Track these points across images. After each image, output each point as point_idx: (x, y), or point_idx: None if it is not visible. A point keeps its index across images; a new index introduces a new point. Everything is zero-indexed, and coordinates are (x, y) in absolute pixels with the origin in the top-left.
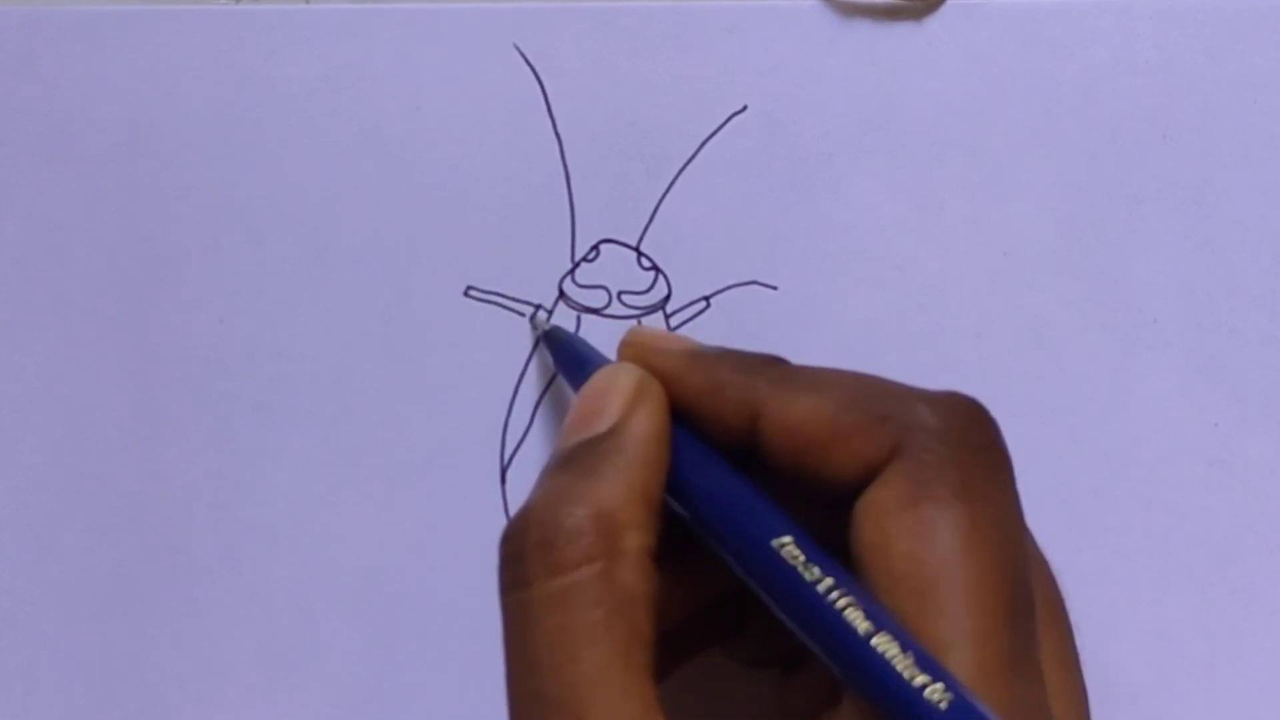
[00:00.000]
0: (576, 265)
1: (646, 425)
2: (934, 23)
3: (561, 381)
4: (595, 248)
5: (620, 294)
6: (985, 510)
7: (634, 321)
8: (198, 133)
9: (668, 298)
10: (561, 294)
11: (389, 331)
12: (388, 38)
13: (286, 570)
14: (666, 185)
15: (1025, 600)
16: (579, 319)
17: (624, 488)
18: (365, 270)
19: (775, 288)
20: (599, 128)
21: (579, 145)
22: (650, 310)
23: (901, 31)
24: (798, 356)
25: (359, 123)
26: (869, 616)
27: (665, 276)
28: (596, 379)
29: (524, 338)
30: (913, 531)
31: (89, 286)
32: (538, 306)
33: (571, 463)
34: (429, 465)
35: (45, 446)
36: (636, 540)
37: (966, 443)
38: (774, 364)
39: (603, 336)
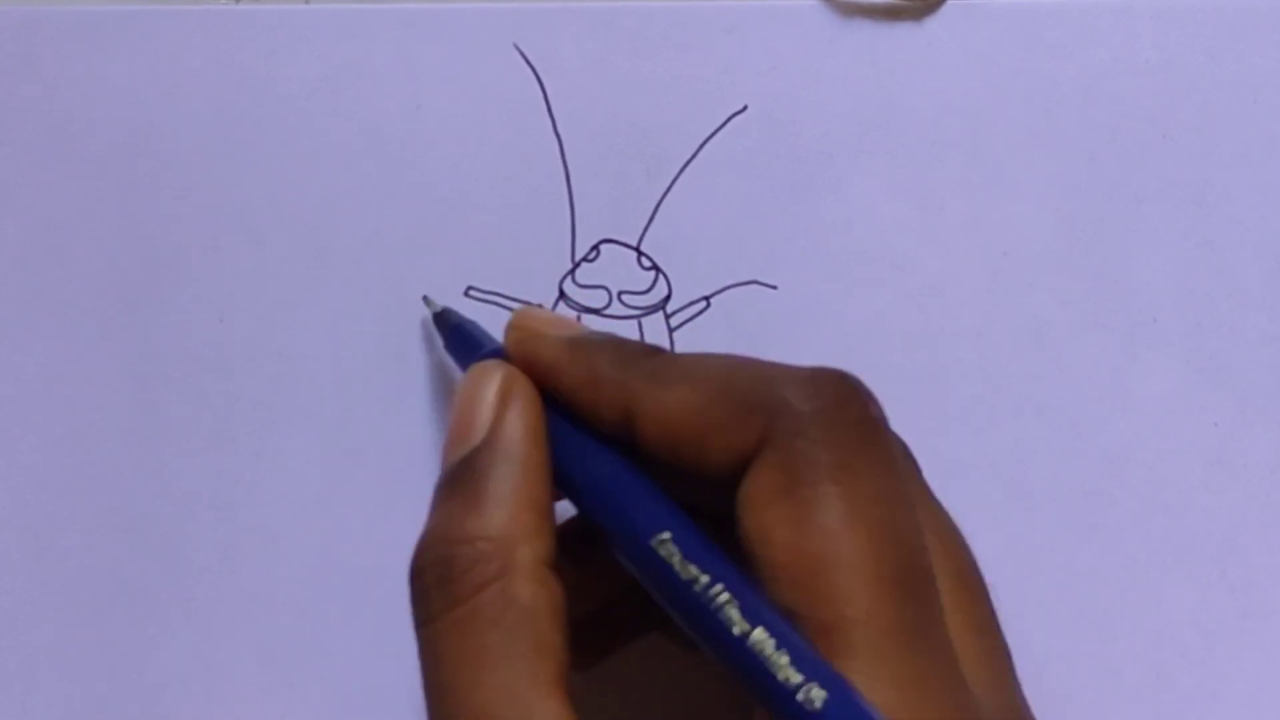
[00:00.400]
0: (577, 265)
1: (518, 431)
2: (934, 23)
3: None
4: (595, 248)
5: (620, 294)
6: (862, 487)
7: (634, 323)
8: (198, 133)
9: (668, 298)
10: (562, 294)
11: (389, 331)
12: (388, 38)
13: (286, 570)
14: (667, 185)
15: (917, 571)
16: (579, 319)
17: (508, 504)
18: (365, 270)
19: (775, 288)
20: (599, 128)
21: (579, 145)
22: (650, 310)
23: (901, 31)
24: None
25: (359, 123)
26: (746, 614)
27: (665, 276)
28: (464, 386)
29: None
30: (789, 520)
31: (89, 286)
32: (538, 306)
33: (455, 484)
34: (429, 465)
35: (45, 446)
36: (529, 553)
37: (837, 421)
38: (651, 355)
39: None
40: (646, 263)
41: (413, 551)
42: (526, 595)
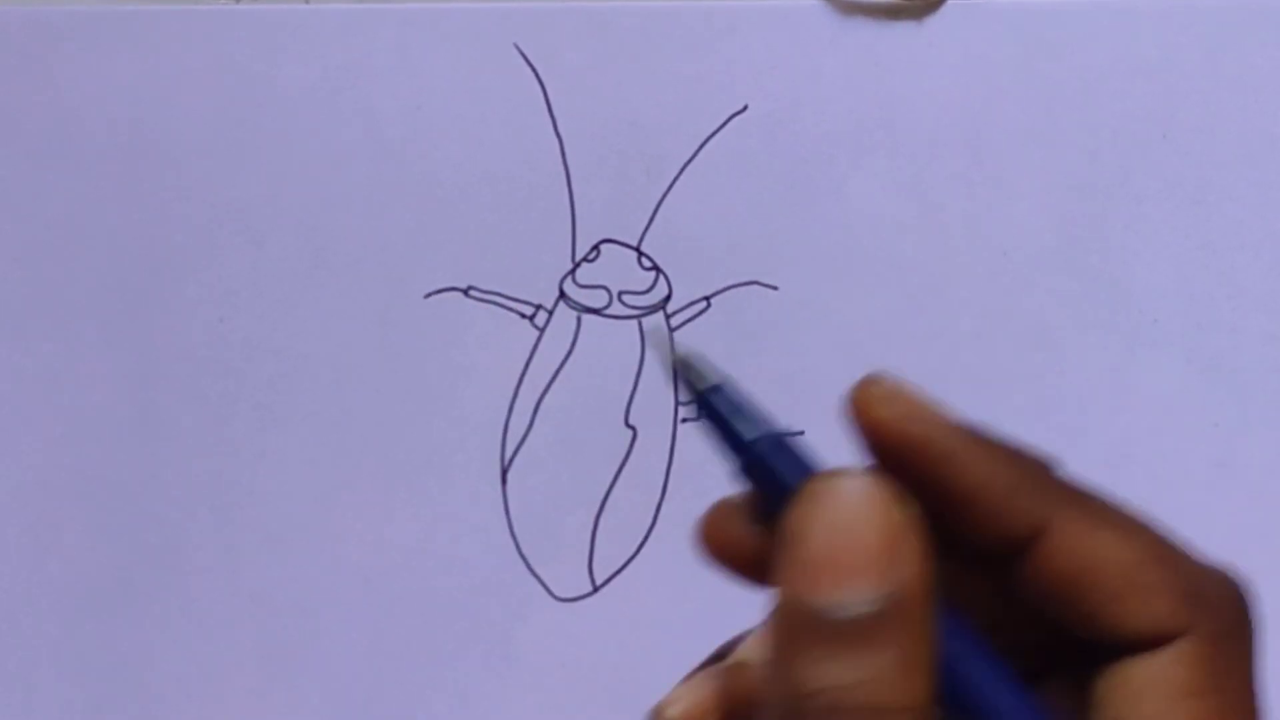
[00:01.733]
0: (577, 265)
1: (920, 583)
2: (934, 23)
3: (567, 383)
4: (596, 248)
5: (621, 294)
6: (1251, 704)
7: (634, 322)
8: (198, 133)
9: (668, 298)
10: (562, 294)
11: (389, 331)
12: (388, 38)
13: (286, 570)
14: (667, 185)
15: None
16: (579, 319)
17: (922, 669)
18: (365, 270)
19: (776, 288)
20: (599, 128)
21: (579, 145)
22: (651, 310)
23: (902, 31)
24: (798, 356)
25: (359, 123)
26: None
27: (666, 276)
28: (840, 513)
29: (524, 338)
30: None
31: (89, 287)
32: (539, 306)
33: (842, 639)
34: (429, 465)
35: (46, 446)
36: None
37: (1247, 638)
38: (1054, 471)
39: (604, 336)
40: (647, 263)
41: (781, 696)
42: None
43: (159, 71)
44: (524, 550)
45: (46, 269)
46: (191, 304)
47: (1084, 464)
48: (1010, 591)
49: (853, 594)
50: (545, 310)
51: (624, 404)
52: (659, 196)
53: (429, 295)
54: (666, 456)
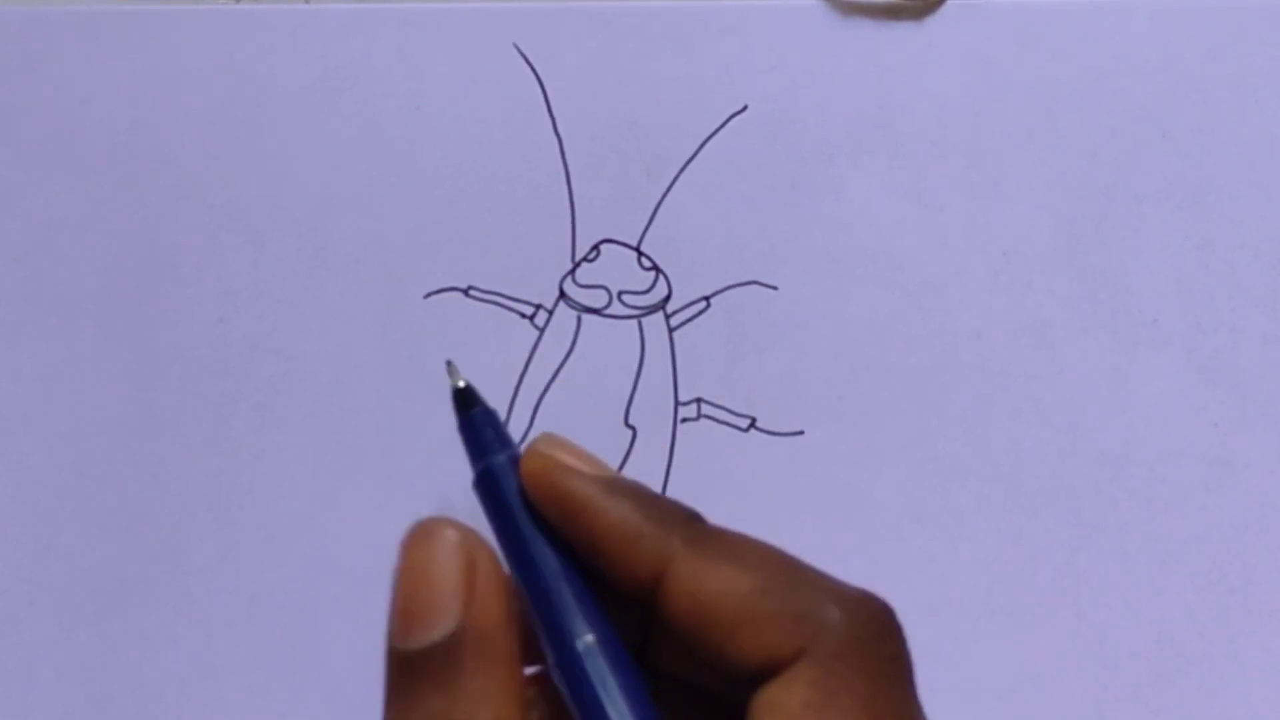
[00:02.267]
0: (577, 265)
1: (496, 619)
2: (934, 23)
3: (567, 383)
4: (596, 247)
5: (621, 294)
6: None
7: (634, 323)
8: (197, 133)
9: (668, 298)
10: (562, 294)
11: (389, 331)
12: (388, 38)
13: (286, 570)
14: (667, 185)
15: None
16: (580, 319)
17: (495, 704)
18: (365, 270)
19: (775, 288)
20: (599, 127)
21: (579, 145)
22: (650, 310)
23: (902, 31)
24: (798, 356)
25: (359, 123)
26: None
27: (666, 276)
28: (416, 562)
29: (524, 337)
30: None
31: (89, 286)
32: (539, 306)
33: (425, 674)
34: (428, 465)
35: (46, 446)
36: None
37: (876, 653)
38: (691, 521)
39: (604, 336)
40: (647, 263)
41: None
42: None
43: (159, 71)
44: None
45: (46, 269)
46: (191, 304)
47: (1084, 464)
48: (669, 634)
49: (428, 632)
50: (545, 310)
51: (624, 404)
52: (659, 196)
53: (429, 295)
54: (666, 456)
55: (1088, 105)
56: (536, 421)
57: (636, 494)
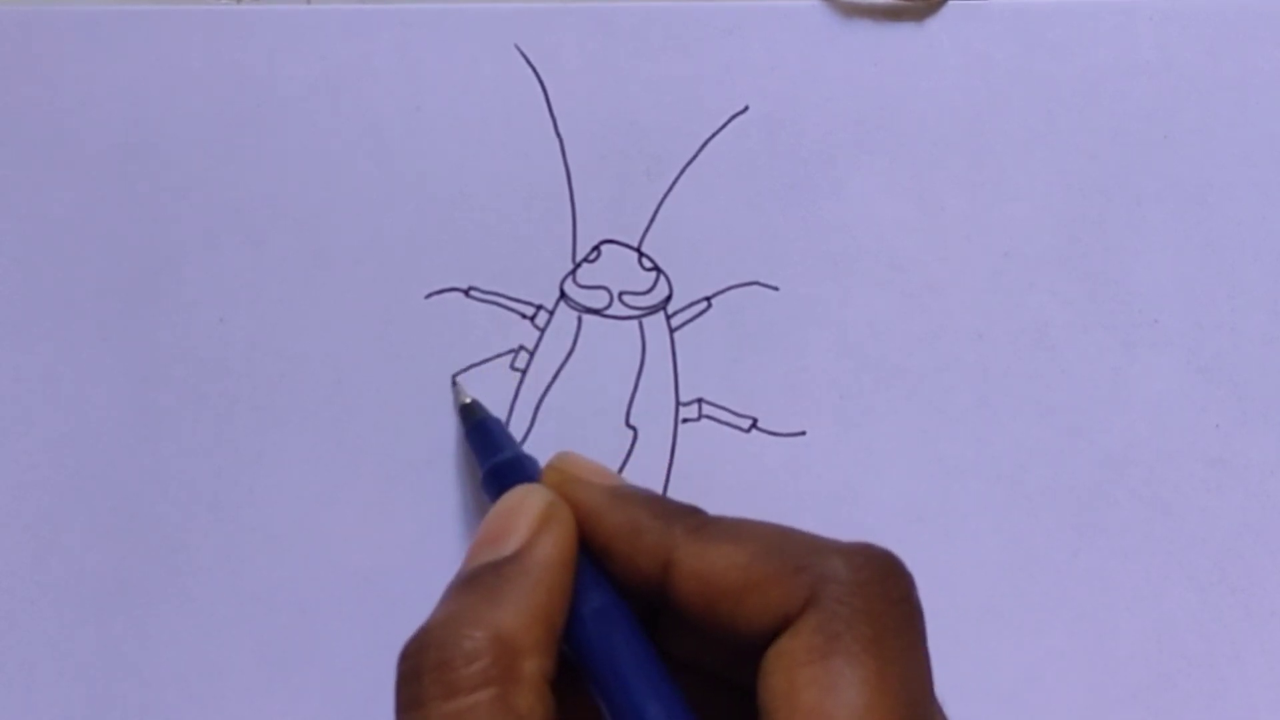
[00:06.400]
0: (578, 265)
1: (551, 551)
2: (935, 23)
3: (567, 384)
4: (596, 248)
5: (621, 294)
6: (894, 666)
7: (635, 323)
8: (198, 133)
9: (669, 298)
10: (563, 294)
11: (389, 331)
12: (388, 38)
13: (286, 570)
14: (668, 185)
15: None
16: (580, 319)
17: (525, 612)
18: (365, 270)
19: (776, 288)
20: (600, 128)
21: (580, 145)
22: (651, 310)
23: (902, 32)
24: (800, 356)
25: (359, 123)
26: None
27: (666, 277)
28: (507, 499)
29: (525, 338)
30: (820, 683)
31: (89, 287)
32: (539, 306)
33: (474, 584)
34: (429, 466)
35: (46, 446)
36: (534, 665)
37: (880, 596)
38: (692, 514)
39: (605, 336)
40: (648, 263)
41: (414, 634)
42: (525, 706)
43: (159, 71)
44: None
45: (46, 269)
46: (191, 304)
47: (1084, 464)
48: (681, 621)
49: (494, 552)
50: (546, 310)
51: (624, 404)
52: (660, 197)
53: (429, 295)
54: (667, 457)
55: (1089, 106)
56: (537, 422)
57: (639, 497)
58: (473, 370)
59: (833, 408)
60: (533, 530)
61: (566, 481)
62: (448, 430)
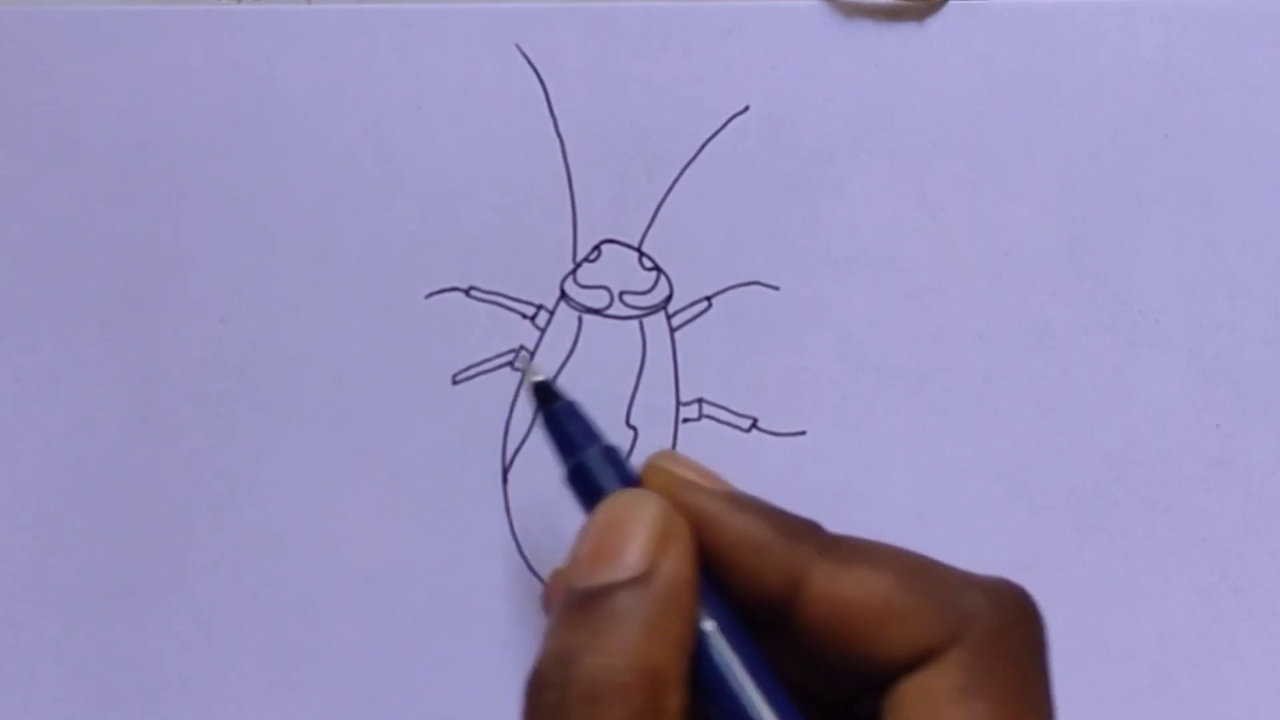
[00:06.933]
0: (578, 265)
1: (680, 572)
2: (935, 23)
3: (568, 383)
4: (597, 248)
5: (622, 294)
6: (1033, 713)
7: (635, 323)
8: (198, 133)
9: (669, 298)
10: (563, 294)
11: (389, 331)
12: (388, 38)
13: (286, 570)
14: (668, 185)
15: None
16: (581, 319)
17: (669, 642)
18: (365, 270)
19: (777, 288)
20: (600, 128)
21: (580, 145)
22: (652, 310)
23: (903, 32)
24: (800, 356)
25: (359, 123)
26: None
27: (667, 277)
28: (613, 507)
29: (525, 338)
30: None
31: (90, 286)
32: (540, 306)
33: (600, 608)
34: (429, 466)
35: (46, 446)
36: (676, 700)
37: (1024, 640)
38: (816, 529)
39: (605, 336)
40: (648, 263)
41: (545, 659)
42: None
43: (159, 71)
44: (524, 550)
45: (46, 269)
46: (191, 304)
47: (1084, 464)
48: (799, 643)
49: (614, 571)
50: (546, 310)
51: (625, 404)
52: (660, 197)
53: (429, 295)
54: None
55: (1089, 106)
56: (538, 423)
57: (759, 507)
58: (473, 370)
59: (833, 407)
60: (656, 546)
61: (675, 485)
62: (448, 430)
